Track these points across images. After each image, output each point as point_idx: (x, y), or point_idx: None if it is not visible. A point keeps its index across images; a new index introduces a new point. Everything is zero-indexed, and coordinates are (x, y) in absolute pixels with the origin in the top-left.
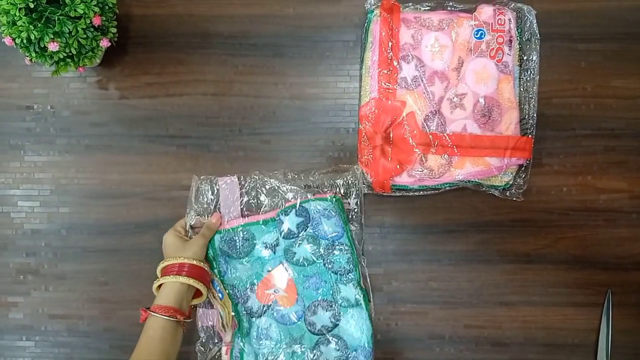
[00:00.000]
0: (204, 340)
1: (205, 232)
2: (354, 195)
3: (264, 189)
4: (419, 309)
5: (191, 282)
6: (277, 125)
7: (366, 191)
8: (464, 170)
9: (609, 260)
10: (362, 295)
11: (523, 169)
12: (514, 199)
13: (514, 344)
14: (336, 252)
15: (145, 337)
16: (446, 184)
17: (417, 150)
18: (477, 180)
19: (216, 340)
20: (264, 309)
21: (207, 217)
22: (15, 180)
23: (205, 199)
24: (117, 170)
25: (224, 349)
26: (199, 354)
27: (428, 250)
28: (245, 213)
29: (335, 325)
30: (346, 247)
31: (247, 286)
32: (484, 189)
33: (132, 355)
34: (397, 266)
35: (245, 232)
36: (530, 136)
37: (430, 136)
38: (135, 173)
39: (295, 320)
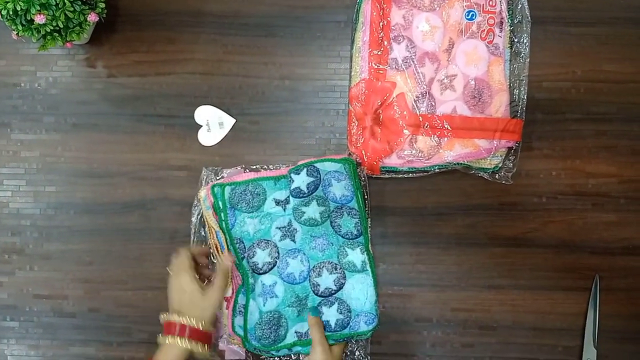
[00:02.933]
0: None
1: (220, 283)
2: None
3: None
4: (407, 291)
5: (192, 346)
6: (266, 106)
7: None
8: (454, 152)
9: (597, 244)
10: (368, 261)
11: (512, 152)
12: (503, 182)
13: (502, 328)
14: (344, 216)
15: None
16: (435, 166)
17: (406, 131)
18: (466, 162)
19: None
20: (270, 266)
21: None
22: (1, 158)
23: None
24: (104, 149)
25: (224, 304)
26: None
27: (416, 233)
28: (259, 167)
29: (339, 289)
30: (355, 212)
31: (254, 242)
32: (473, 171)
33: None
34: (385, 249)
35: (257, 187)
36: (520, 119)
37: (420, 117)
38: (122, 152)
39: (300, 280)
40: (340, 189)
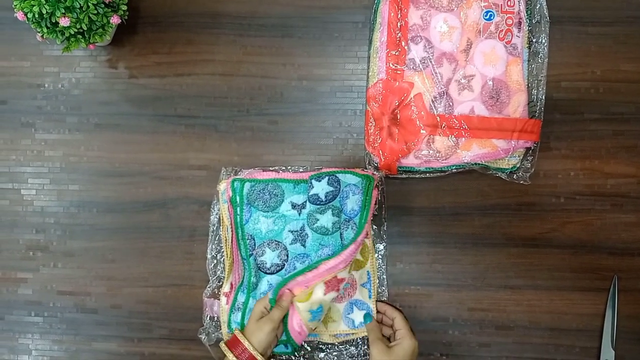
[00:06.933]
0: (207, 327)
1: (274, 315)
2: None
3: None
4: (423, 291)
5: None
6: (285, 106)
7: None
8: (471, 152)
9: (616, 245)
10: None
11: (530, 152)
12: (521, 182)
13: (519, 328)
14: (349, 229)
15: None
16: (453, 166)
17: (424, 131)
18: (483, 162)
19: (218, 329)
20: (278, 268)
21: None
22: (26, 157)
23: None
24: (126, 149)
25: (224, 299)
26: (202, 337)
27: (433, 232)
28: (279, 169)
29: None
30: (354, 227)
31: (265, 241)
32: (490, 172)
33: None
34: (402, 248)
35: (276, 188)
36: (538, 119)
37: (438, 118)
38: (143, 152)
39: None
40: (353, 202)
